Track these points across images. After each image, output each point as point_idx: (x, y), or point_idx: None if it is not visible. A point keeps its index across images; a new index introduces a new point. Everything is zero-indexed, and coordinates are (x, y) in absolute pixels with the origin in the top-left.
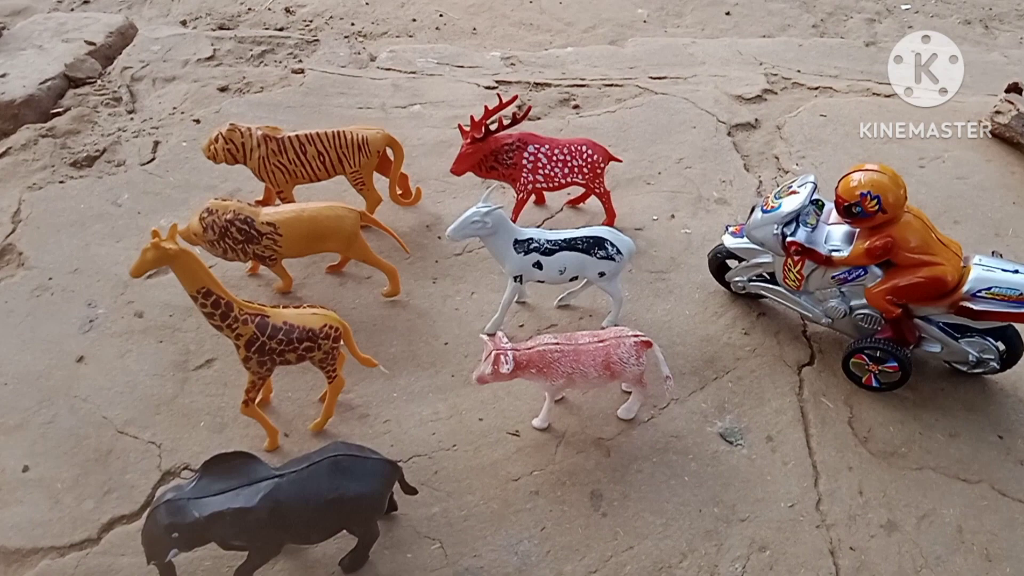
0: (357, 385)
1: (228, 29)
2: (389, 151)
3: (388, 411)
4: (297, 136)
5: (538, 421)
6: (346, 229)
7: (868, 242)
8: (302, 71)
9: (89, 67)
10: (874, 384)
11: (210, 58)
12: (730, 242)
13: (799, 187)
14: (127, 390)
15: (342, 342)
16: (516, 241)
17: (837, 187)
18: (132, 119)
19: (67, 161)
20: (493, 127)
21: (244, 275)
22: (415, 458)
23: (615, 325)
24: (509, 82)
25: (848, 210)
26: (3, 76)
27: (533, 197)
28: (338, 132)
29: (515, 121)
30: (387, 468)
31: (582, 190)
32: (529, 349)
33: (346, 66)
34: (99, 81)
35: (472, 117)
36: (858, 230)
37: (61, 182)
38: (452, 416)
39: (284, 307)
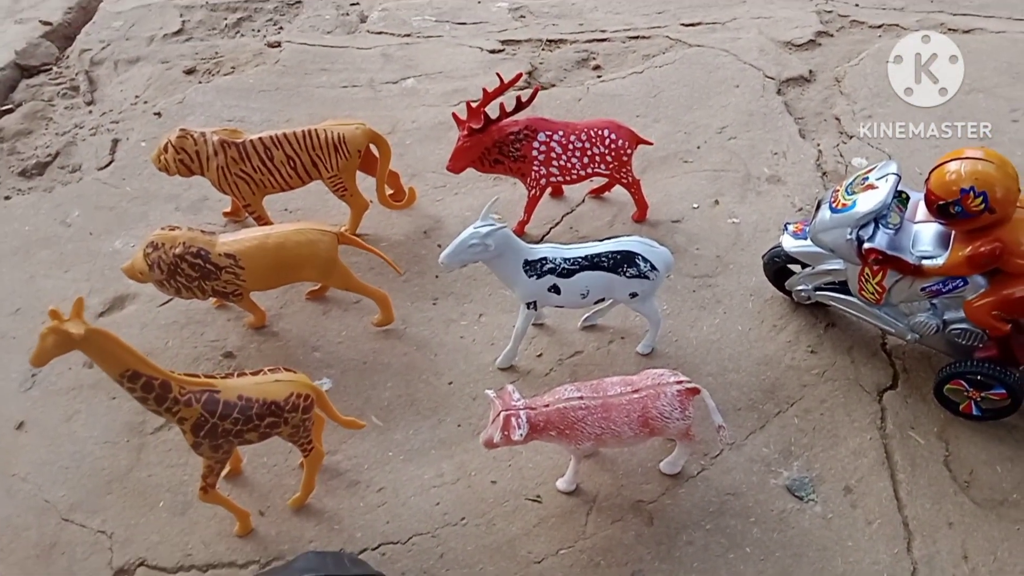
0: (345, 443)
1: None
2: (373, 147)
3: (382, 475)
4: (261, 139)
5: (563, 483)
6: (321, 256)
7: (971, 248)
8: (279, 44)
9: (44, 52)
10: (975, 412)
11: (178, 32)
12: (790, 245)
13: (878, 180)
14: (73, 464)
15: (316, 409)
16: (526, 263)
17: (928, 180)
18: (90, 112)
19: (15, 171)
20: (495, 114)
21: (210, 308)
22: (415, 538)
23: (652, 349)
24: (517, 41)
25: (944, 210)
26: None
27: (549, 190)
28: (309, 131)
29: (520, 105)
30: None
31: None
32: (547, 407)
33: (332, 31)
34: (55, 68)
35: (468, 104)
36: (955, 231)
37: (7, 198)
38: (459, 479)
39: (239, 374)
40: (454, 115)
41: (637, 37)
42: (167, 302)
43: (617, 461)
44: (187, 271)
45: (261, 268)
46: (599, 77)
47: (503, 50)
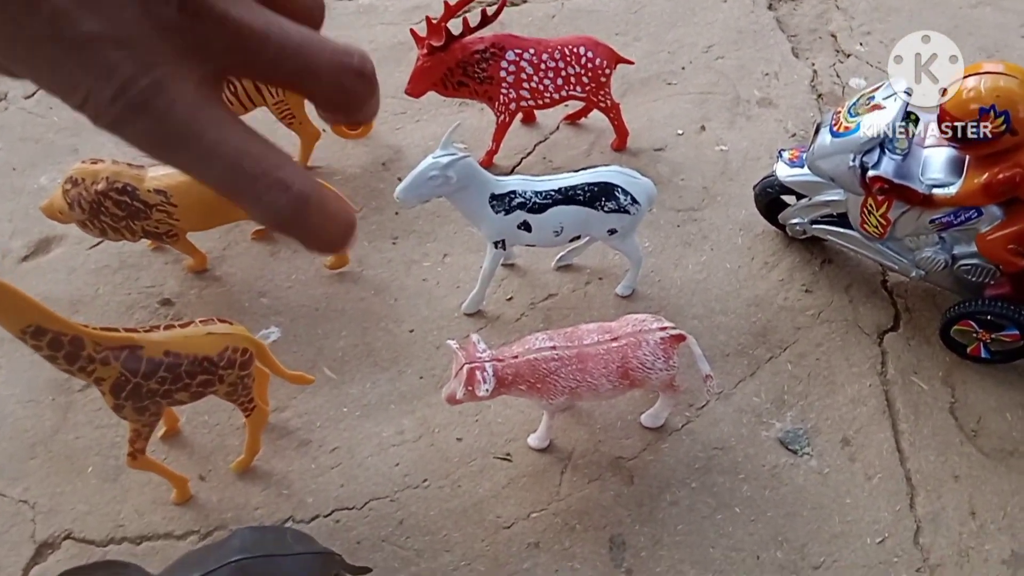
0: (294, 399)
1: None
2: None
3: (336, 434)
4: None
5: (535, 440)
6: None
7: (987, 175)
8: None
9: None
10: (984, 355)
11: None
12: (785, 174)
13: (885, 99)
14: None
15: (257, 364)
16: (493, 196)
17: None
18: None
19: None
20: (458, 30)
21: (145, 250)
22: (372, 503)
23: (633, 290)
24: None
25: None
26: None
27: (519, 117)
28: None
29: (485, 20)
30: (316, 567)
31: (582, 103)
32: (515, 359)
33: None
34: None
35: (428, 18)
36: (969, 157)
37: None
38: (421, 437)
39: (165, 326)
40: (412, 32)
41: None
42: (97, 244)
43: (594, 415)
44: (112, 209)
45: (196, 206)
46: None
47: None
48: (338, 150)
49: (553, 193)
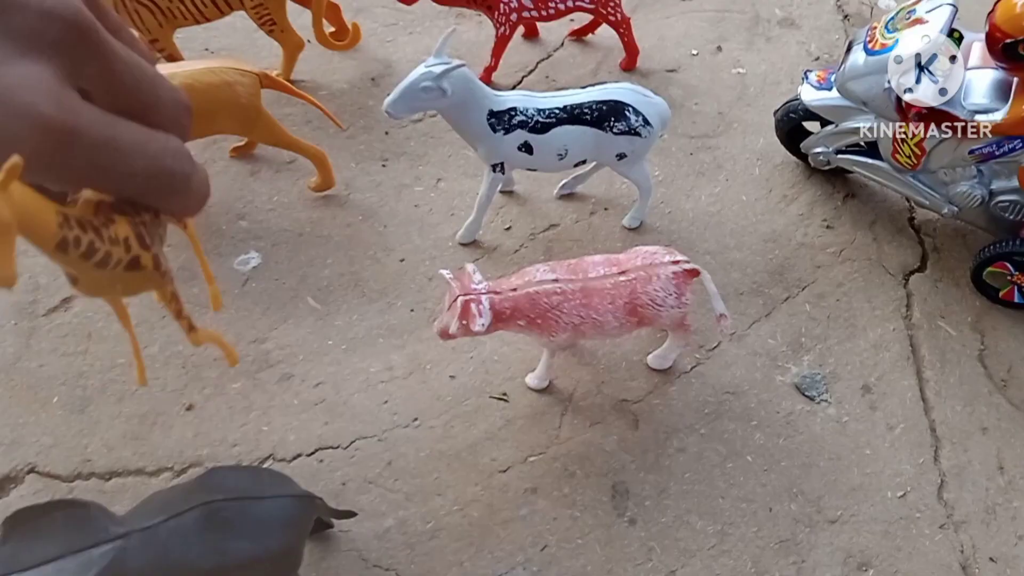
0: (275, 329)
1: None
2: None
3: (320, 368)
4: None
5: (534, 379)
6: (240, 101)
7: None
8: None
9: None
10: (1017, 299)
11: None
12: (811, 97)
13: (928, 13)
14: None
15: None
16: (491, 113)
17: (993, 12)
18: None
19: None
20: None
21: None
22: (358, 442)
23: (641, 222)
24: None
25: (1011, 50)
26: None
27: (520, 30)
28: None
29: None
30: (294, 511)
31: (589, 17)
32: (514, 291)
33: None
34: None
35: None
36: (1017, 80)
37: None
38: (412, 373)
39: None
40: None
41: None
42: None
43: (597, 355)
44: None
45: None
46: None
47: None
48: (323, 63)
49: (557, 111)
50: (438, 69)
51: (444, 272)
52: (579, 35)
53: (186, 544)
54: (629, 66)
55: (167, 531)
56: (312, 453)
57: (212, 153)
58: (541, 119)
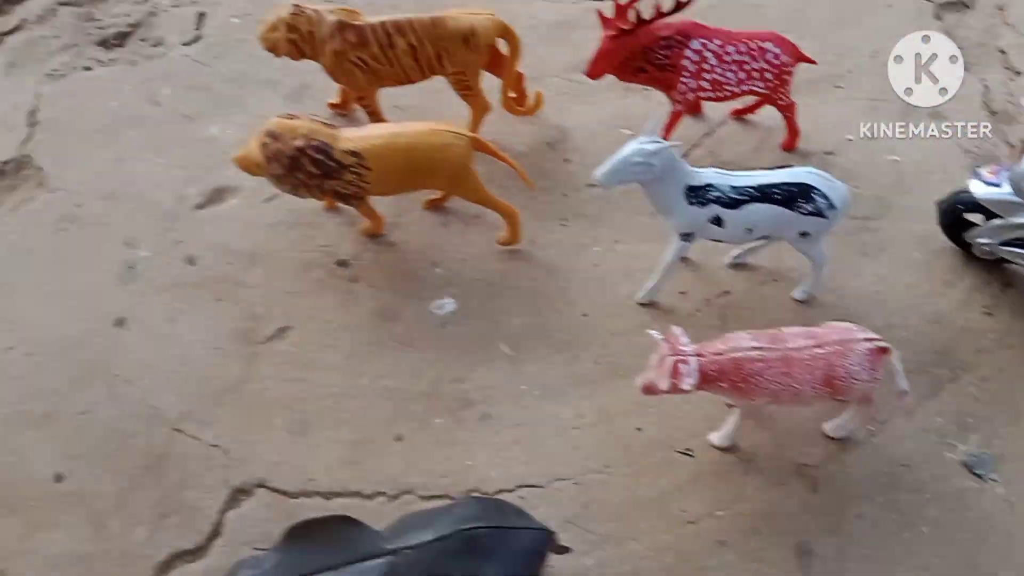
0: (473, 371)
1: None
2: (501, 42)
3: (517, 411)
4: (383, 24)
5: (718, 437)
6: (455, 161)
7: None
8: None
9: None
10: None
11: None
12: (982, 192)
13: None
14: (180, 368)
15: None
16: (689, 188)
17: None
18: None
19: (93, 39)
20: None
21: (319, 208)
22: (557, 483)
23: (812, 296)
24: None
25: None
26: None
27: None
28: (436, 20)
29: (679, 7)
30: (538, 542)
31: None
32: (719, 355)
33: None
34: None
35: (616, 1)
36: None
37: (87, 68)
38: (600, 422)
39: None
40: (599, 13)
41: None
42: (272, 198)
43: (776, 419)
44: (308, 167)
45: (389, 170)
46: None
47: None
48: (504, 126)
49: (750, 190)
50: (651, 147)
51: (653, 333)
52: (742, 114)
53: (448, 565)
54: (790, 147)
55: (434, 551)
56: (513, 490)
57: (405, 204)
58: (734, 196)
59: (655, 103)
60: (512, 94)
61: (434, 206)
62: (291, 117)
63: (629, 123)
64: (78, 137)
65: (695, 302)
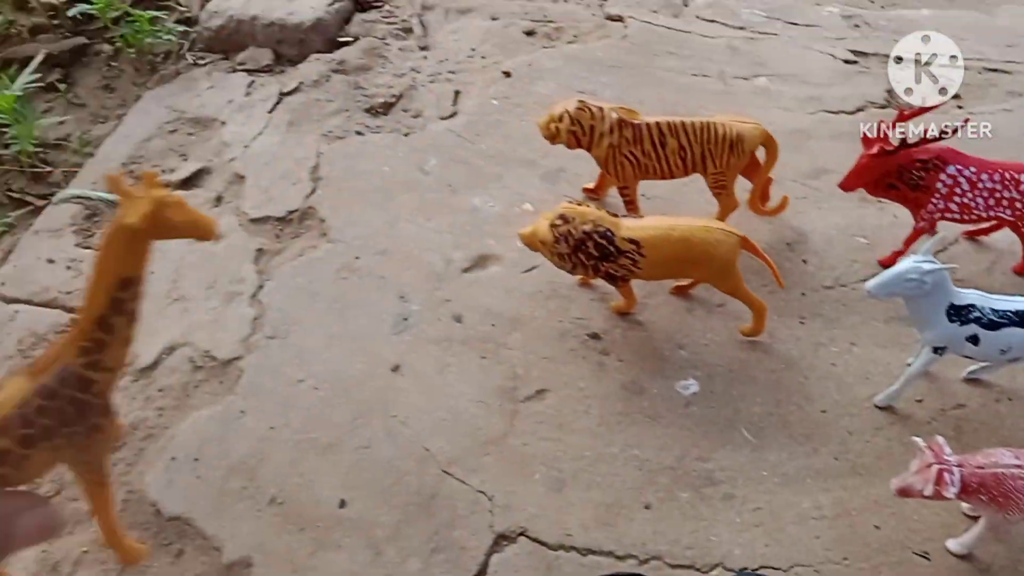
0: (716, 451)
1: None
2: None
3: (758, 495)
4: (658, 124)
5: (958, 545)
6: (723, 257)
7: None
8: (620, 18)
9: None
10: None
11: None
12: None
13: None
14: (449, 417)
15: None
16: (952, 307)
17: None
18: (425, 58)
19: (362, 106)
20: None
21: (572, 283)
22: (797, 568)
23: None
24: (864, 53)
25: None
26: None
27: None
28: (707, 124)
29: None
30: None
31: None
32: (980, 468)
33: (658, 10)
34: (387, 6)
35: (880, 125)
36: None
37: (359, 133)
38: (839, 516)
39: None
40: (864, 136)
41: (995, 70)
42: (530, 269)
43: (1012, 531)
44: (590, 249)
45: (661, 259)
46: (960, 107)
47: (856, 62)
48: (746, 222)
49: (1011, 314)
50: (927, 267)
51: (917, 439)
52: (976, 235)
53: None
54: (1022, 270)
55: None
56: (756, 569)
57: (654, 287)
58: (994, 318)
59: (890, 215)
60: (758, 196)
61: (681, 292)
62: (579, 203)
63: (864, 232)
64: (355, 195)
65: (930, 411)
